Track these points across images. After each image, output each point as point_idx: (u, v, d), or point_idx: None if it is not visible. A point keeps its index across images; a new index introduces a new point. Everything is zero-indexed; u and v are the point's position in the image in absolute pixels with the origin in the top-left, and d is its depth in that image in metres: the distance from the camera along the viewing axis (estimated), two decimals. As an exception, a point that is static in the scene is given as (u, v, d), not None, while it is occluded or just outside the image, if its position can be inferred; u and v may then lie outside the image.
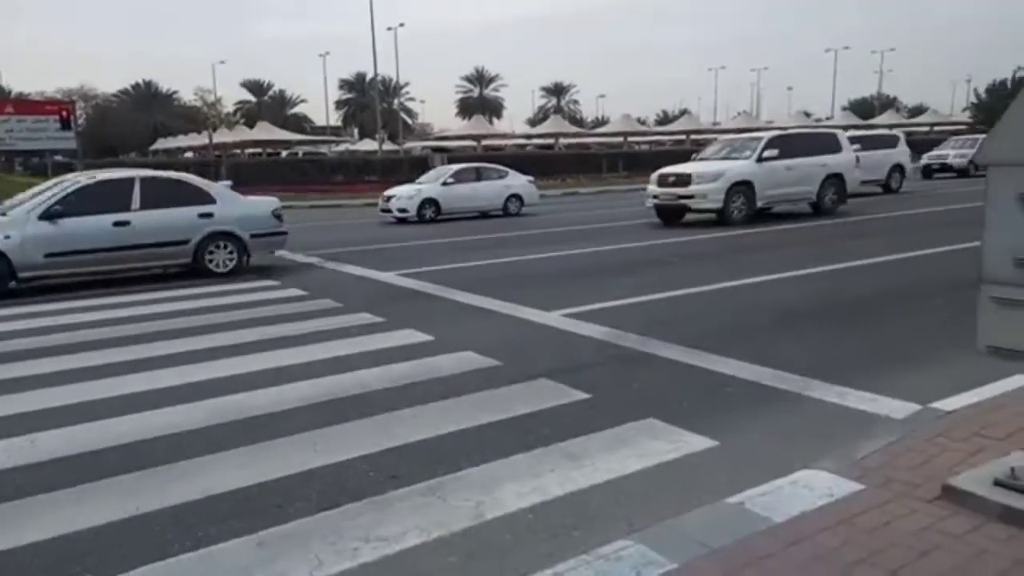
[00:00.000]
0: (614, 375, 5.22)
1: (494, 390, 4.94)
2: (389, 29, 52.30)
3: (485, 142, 50.33)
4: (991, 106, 60.97)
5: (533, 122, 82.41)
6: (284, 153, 54.04)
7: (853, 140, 18.79)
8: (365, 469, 3.81)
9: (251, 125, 59.45)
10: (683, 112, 74.15)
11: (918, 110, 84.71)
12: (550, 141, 52.19)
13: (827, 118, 72.52)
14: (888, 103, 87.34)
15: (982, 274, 3.11)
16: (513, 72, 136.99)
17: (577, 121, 74.21)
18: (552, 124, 54.59)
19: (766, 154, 15.61)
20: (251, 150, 55.58)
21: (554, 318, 7.00)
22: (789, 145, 16.18)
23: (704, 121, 66.02)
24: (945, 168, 29.83)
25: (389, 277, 10.06)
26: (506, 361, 5.58)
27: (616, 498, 3.38)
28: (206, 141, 45.08)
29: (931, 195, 21.12)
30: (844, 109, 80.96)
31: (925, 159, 30.61)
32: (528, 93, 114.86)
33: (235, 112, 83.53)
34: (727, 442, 3.92)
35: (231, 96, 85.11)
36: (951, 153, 30.46)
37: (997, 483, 2.98)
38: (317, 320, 7.34)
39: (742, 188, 15.32)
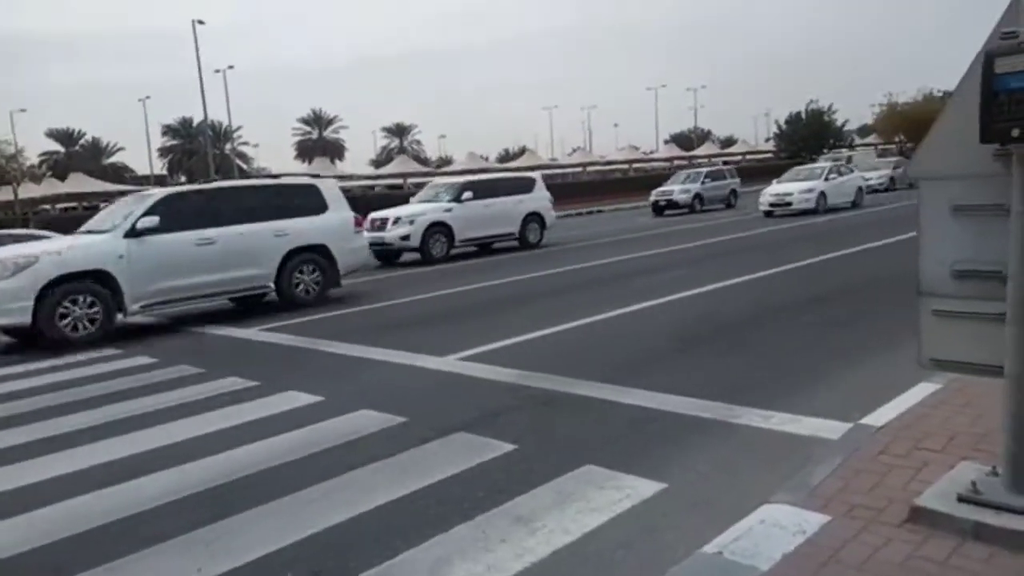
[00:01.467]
0: (534, 420, 4.90)
1: (408, 452, 4.45)
2: (217, 71, 49.94)
3: (330, 184, 48.90)
4: (790, 135, 68.20)
5: (378, 163, 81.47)
6: (103, 205, 49.42)
7: (468, 186, 17.42)
8: (278, 570, 3.21)
9: (62, 178, 54.00)
10: (523, 150, 76.45)
11: (729, 141, 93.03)
12: (399, 181, 51.69)
13: (651, 151, 77.73)
14: (704, 136, 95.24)
15: (920, 287, 3.14)
16: (352, 114, 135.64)
17: (422, 161, 74.28)
18: (399, 164, 54.18)
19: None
20: (64, 204, 50.40)
21: (451, 363, 6.59)
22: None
23: (543, 157, 68.31)
24: (672, 205, 27.57)
25: (250, 333, 9.19)
26: (412, 417, 5.10)
27: (584, 564, 3.05)
28: (10, 197, 40.34)
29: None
30: (667, 142, 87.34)
31: (654, 195, 28.30)
32: (369, 134, 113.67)
33: (40, 164, 75.73)
34: (675, 482, 3.71)
35: (35, 147, 77.15)
36: (676, 189, 27.98)
37: (961, 499, 2.96)
38: (177, 391, 6.41)
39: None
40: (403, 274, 14.86)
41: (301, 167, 70.16)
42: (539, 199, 18.59)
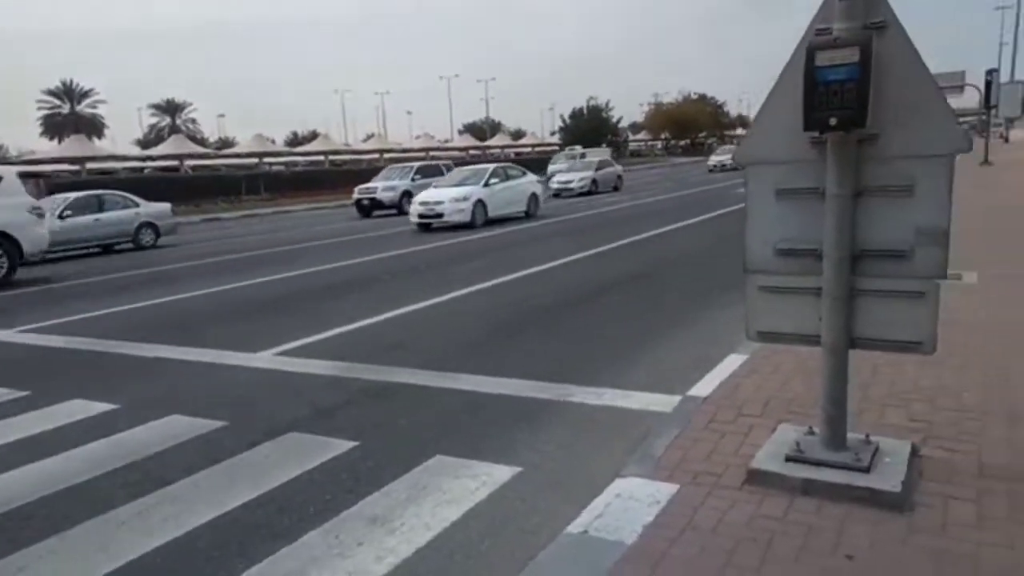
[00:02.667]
0: (371, 414, 4.67)
1: (235, 458, 4.04)
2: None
3: (91, 164, 43.33)
4: (574, 129, 72.47)
5: (145, 143, 73.85)
6: None
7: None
8: (96, 606, 2.74)
9: None
10: (314, 134, 73.45)
11: (519, 133, 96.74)
12: (174, 163, 47.06)
13: (446, 140, 78.53)
14: (496, 127, 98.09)
15: (746, 265, 3.38)
16: (112, 88, 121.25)
17: (200, 141, 68.42)
18: (174, 144, 49.17)
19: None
20: None
21: (268, 359, 6.10)
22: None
23: (337, 142, 66.13)
24: (378, 205, 24.08)
25: (8, 335, 7.86)
26: (231, 420, 4.64)
27: (451, 559, 2.94)
28: None
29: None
30: (461, 132, 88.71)
31: (356, 193, 24.74)
32: (134, 112, 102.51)
33: None
34: (527, 465, 3.72)
35: None
36: (379, 187, 24.26)
37: (788, 459, 3.26)
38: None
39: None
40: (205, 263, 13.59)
41: (50, 145, 61.65)
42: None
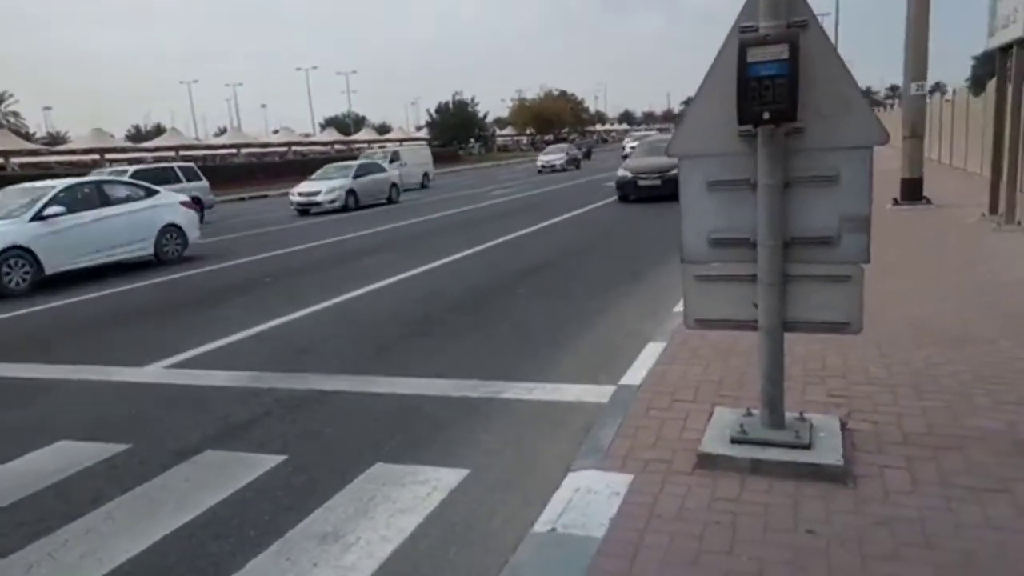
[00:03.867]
0: (294, 425, 4.39)
1: (149, 483, 3.67)
2: None
3: None
4: (441, 124, 72.23)
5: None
6: None
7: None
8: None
9: None
10: (159, 128, 68.53)
11: (384, 128, 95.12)
12: (-1, 161, 42.23)
13: (307, 135, 75.79)
14: (360, 121, 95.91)
15: (683, 256, 3.48)
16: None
17: (26, 136, 61.77)
18: (-4, 140, 44.10)
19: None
20: None
21: (158, 373, 5.60)
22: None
23: (187, 136, 61.94)
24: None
25: None
26: (134, 441, 4.21)
27: (419, 570, 2.81)
28: None
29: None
30: (323, 126, 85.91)
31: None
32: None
33: None
34: (474, 466, 3.63)
35: None
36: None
37: (734, 441, 3.38)
38: None
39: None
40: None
41: None
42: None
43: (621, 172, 17.67)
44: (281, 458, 3.87)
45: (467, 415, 4.35)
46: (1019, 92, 9.37)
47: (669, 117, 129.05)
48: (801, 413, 3.53)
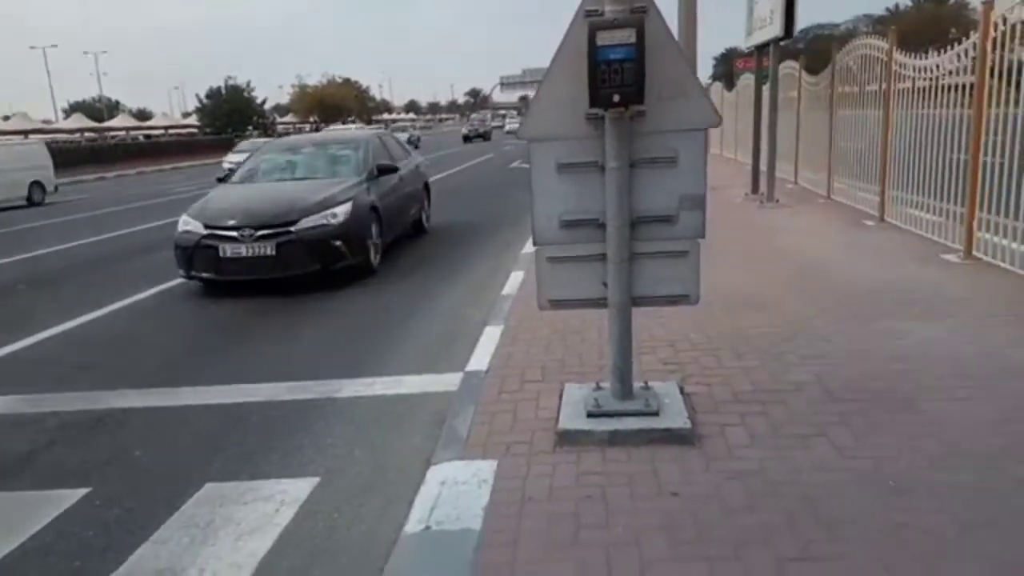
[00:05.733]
0: (92, 451, 3.76)
1: (-95, 544, 2.92)
2: None
3: None
4: (213, 110, 67.03)
5: None
6: None
7: None
8: None
9: None
10: None
11: (144, 114, 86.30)
12: None
13: (47, 121, 66.54)
14: (114, 106, 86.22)
15: (535, 239, 3.47)
16: None
17: None
18: None
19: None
20: None
21: None
22: None
23: None
24: None
25: None
26: None
27: (286, 597, 2.51)
28: None
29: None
30: (68, 112, 75.86)
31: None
32: None
33: None
34: (325, 473, 3.35)
35: None
36: None
37: (590, 415, 3.44)
38: None
39: None
40: None
41: None
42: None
43: (185, 227, 7.45)
44: (83, 491, 3.30)
45: (304, 419, 4.01)
46: (775, 87, 10.66)
47: (454, 108, 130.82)
48: (646, 382, 3.68)
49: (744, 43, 12.39)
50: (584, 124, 3.31)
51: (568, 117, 3.31)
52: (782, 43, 10.36)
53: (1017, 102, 5.76)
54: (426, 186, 10.91)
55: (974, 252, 6.23)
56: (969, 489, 2.74)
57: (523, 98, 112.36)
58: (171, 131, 68.05)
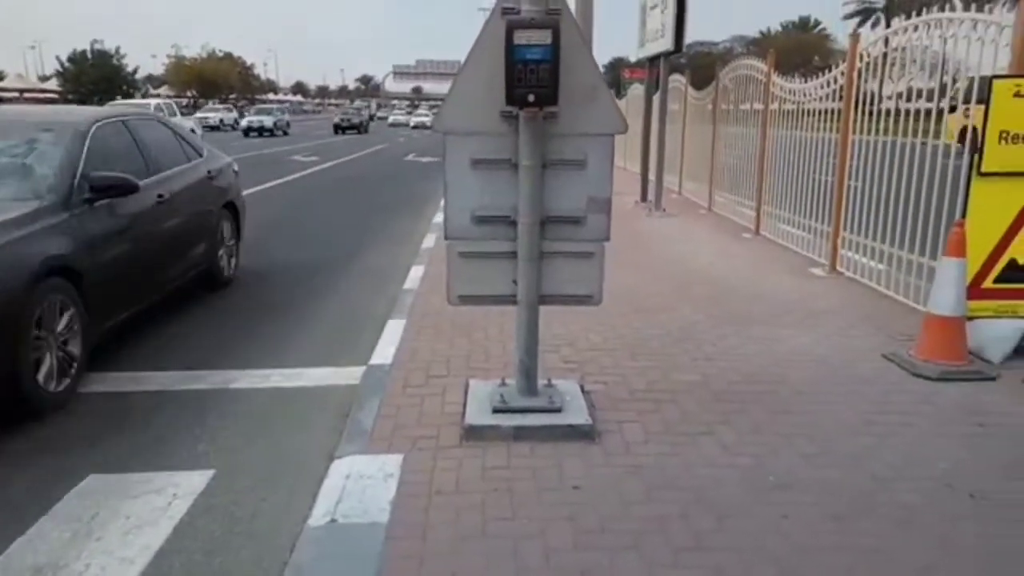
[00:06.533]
0: (-47, 440, 3.41)
1: None
2: None
3: None
4: (77, 76, 61.98)
5: None
6: None
7: None
8: None
9: None
10: None
11: (-6, 77, 78.37)
12: None
13: None
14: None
15: (447, 233, 3.50)
16: None
17: None
18: None
19: None
20: None
21: None
22: None
23: None
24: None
25: None
26: None
27: (185, 593, 2.40)
28: None
29: None
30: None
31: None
32: None
33: None
34: (221, 465, 3.23)
35: None
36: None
37: (496, 411, 3.51)
38: None
39: None
40: None
41: None
42: None
43: None
44: (-52, 483, 3.01)
45: (197, 411, 3.83)
46: (665, 99, 11.16)
47: (344, 94, 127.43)
48: (549, 380, 3.79)
49: (636, 54, 12.90)
50: (499, 121, 3.36)
51: (483, 112, 3.35)
52: (671, 56, 10.86)
53: (876, 130, 6.37)
54: (232, 207, 6.70)
55: (838, 267, 6.82)
56: (838, 485, 3.02)
57: (416, 89, 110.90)
58: (26, 95, 62.14)
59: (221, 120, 46.09)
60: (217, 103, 67.54)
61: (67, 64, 64.30)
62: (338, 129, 45.11)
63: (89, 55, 64.30)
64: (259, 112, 43.18)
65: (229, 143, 25.51)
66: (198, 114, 44.11)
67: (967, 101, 5.05)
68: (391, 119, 63.52)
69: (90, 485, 3.03)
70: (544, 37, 3.16)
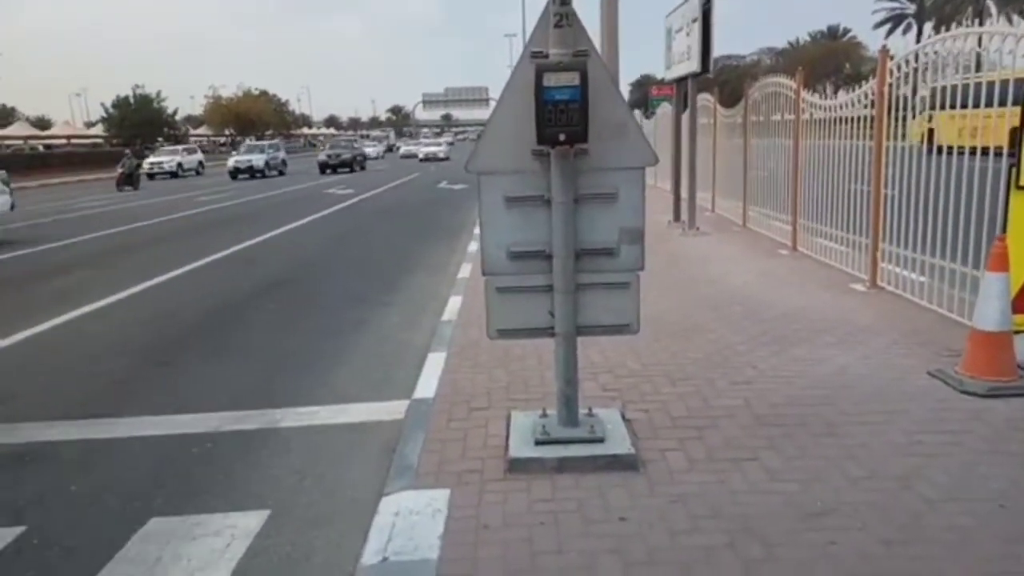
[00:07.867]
0: (22, 487, 3.59)
1: None
2: None
3: None
4: (120, 120, 64.13)
5: None
6: None
7: None
8: None
9: None
10: None
11: (44, 122, 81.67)
12: None
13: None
14: (9, 112, 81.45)
15: (484, 269, 3.58)
16: None
17: None
18: None
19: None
20: None
21: None
22: None
23: None
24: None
25: None
26: None
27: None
28: None
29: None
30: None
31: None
32: None
33: None
34: (275, 505, 3.33)
35: None
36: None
37: (539, 443, 3.55)
38: None
39: None
40: None
41: None
42: None
43: None
44: (19, 530, 3.16)
45: (248, 450, 3.95)
46: (695, 119, 11.19)
47: (375, 124, 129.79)
48: (590, 409, 3.83)
49: (664, 75, 12.96)
50: (531, 159, 3.45)
51: (516, 152, 3.45)
52: (698, 77, 10.89)
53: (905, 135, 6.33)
54: None
55: (879, 282, 6.73)
56: (887, 509, 2.99)
57: (446, 116, 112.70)
58: (74, 141, 64.64)
59: (179, 165, 37.77)
60: (253, 138, 69.39)
61: (111, 110, 66.61)
62: (325, 168, 35.38)
63: (132, 100, 66.53)
64: (248, 150, 36.08)
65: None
66: (151, 158, 38.06)
67: (933, 108, 5.04)
68: (403, 150, 55.71)
69: (153, 528, 3.15)
70: (572, 79, 3.25)
